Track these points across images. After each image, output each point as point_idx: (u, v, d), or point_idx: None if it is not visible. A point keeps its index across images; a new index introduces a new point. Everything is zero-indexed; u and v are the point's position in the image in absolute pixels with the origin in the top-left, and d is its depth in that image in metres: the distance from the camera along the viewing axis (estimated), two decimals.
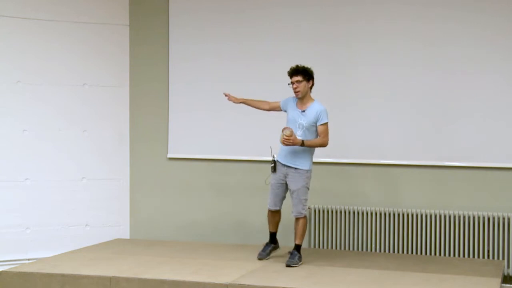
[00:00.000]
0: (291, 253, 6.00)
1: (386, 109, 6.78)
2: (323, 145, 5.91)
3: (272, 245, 6.23)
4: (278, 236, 6.24)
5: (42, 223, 7.16)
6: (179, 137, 7.41)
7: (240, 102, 6.24)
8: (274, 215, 6.15)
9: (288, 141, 5.76)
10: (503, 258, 6.37)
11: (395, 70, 6.75)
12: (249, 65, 7.10)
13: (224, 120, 7.15)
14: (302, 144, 5.81)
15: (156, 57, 7.46)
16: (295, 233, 6.01)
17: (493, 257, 6.40)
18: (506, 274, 6.35)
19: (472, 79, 6.57)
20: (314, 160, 6.89)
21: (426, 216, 6.59)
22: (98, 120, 7.43)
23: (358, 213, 6.80)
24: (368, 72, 6.82)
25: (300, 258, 5.96)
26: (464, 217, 6.49)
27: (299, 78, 5.88)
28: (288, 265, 5.87)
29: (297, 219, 5.99)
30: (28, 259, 6.91)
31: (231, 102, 6.27)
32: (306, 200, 5.96)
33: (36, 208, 7.14)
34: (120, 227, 7.49)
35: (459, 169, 6.60)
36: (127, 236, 7.51)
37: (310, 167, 5.96)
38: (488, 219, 6.43)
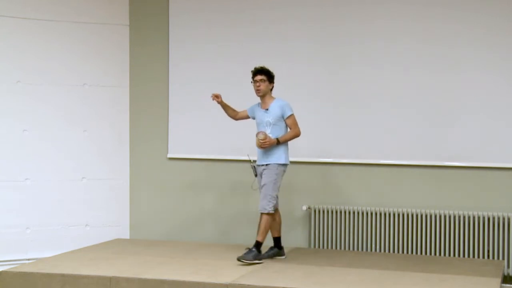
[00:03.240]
0: (249, 249, 5.96)
1: (386, 109, 6.78)
2: (296, 135, 6.07)
3: (276, 249, 6.22)
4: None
5: (42, 223, 7.16)
6: (179, 137, 7.41)
7: (223, 104, 6.32)
8: (273, 216, 6.14)
9: (264, 143, 5.91)
10: (503, 258, 6.37)
11: (395, 70, 6.75)
12: (249, 65, 7.07)
13: (224, 120, 7.12)
14: (278, 142, 5.94)
15: (156, 57, 7.46)
16: (258, 229, 6.02)
17: (493, 257, 6.40)
18: (506, 274, 6.35)
19: (472, 79, 6.57)
20: (315, 160, 6.93)
21: (426, 216, 6.59)
22: (98, 120, 7.43)
23: (358, 213, 6.79)
24: (368, 72, 6.82)
25: (255, 256, 5.89)
26: (464, 217, 6.49)
27: (263, 77, 6.08)
28: (238, 259, 5.84)
29: (261, 214, 5.98)
30: (28, 259, 6.90)
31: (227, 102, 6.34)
32: (272, 196, 5.93)
33: (36, 208, 7.14)
34: (120, 227, 7.49)
35: (459, 169, 6.60)
36: (127, 236, 7.50)
37: (285, 161, 6.01)
38: (488, 219, 6.43)
